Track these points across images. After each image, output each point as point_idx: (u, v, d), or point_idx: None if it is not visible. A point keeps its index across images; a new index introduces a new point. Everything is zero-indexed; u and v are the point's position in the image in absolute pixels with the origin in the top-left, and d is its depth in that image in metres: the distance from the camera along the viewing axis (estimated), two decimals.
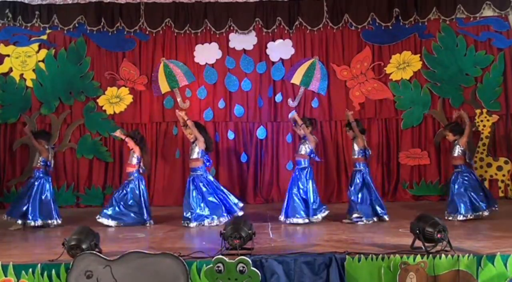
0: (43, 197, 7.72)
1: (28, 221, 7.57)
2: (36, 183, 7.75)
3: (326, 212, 7.66)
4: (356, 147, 7.79)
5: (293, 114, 8.37)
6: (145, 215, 7.72)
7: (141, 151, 7.92)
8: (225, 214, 7.58)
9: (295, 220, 7.49)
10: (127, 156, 8.23)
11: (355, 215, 7.55)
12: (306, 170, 7.71)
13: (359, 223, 7.47)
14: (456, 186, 7.64)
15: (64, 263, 5.23)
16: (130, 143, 7.94)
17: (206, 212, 7.54)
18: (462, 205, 7.51)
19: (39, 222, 7.62)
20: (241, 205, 7.78)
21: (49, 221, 7.70)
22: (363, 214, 7.53)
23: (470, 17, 9.73)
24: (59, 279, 5.19)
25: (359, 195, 7.65)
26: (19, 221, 7.59)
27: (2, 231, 7.38)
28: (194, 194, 7.57)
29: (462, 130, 7.79)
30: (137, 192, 7.78)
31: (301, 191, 7.60)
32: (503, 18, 9.69)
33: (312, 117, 8.42)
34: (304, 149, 7.76)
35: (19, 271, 5.20)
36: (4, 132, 9.67)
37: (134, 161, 7.89)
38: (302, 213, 7.51)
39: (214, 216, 7.56)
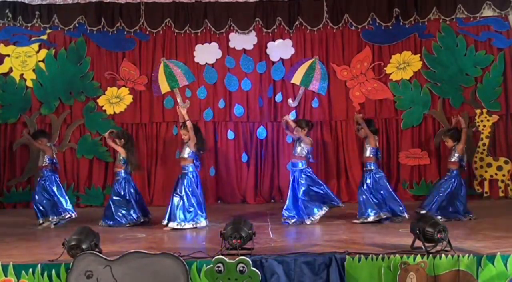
0: (54, 194, 7.80)
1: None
2: (47, 182, 7.82)
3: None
4: (367, 147, 7.78)
5: (287, 117, 8.28)
6: (134, 214, 7.71)
7: (127, 151, 7.93)
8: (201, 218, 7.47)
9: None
10: None
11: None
12: (304, 172, 7.70)
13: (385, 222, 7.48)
14: (442, 189, 7.72)
15: (64, 263, 5.23)
16: (113, 145, 8.00)
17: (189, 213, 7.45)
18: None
19: (55, 219, 7.72)
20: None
21: (63, 215, 7.78)
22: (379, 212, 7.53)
23: (470, 17, 9.72)
24: (59, 279, 5.19)
25: (370, 195, 7.62)
26: (41, 220, 7.70)
27: (2, 231, 7.39)
28: (182, 193, 7.48)
29: (460, 137, 7.82)
30: (123, 192, 7.80)
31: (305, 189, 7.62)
32: (503, 18, 9.68)
33: (308, 120, 8.42)
34: (300, 149, 7.75)
35: (19, 271, 5.20)
36: (4, 132, 9.66)
37: (121, 161, 7.94)
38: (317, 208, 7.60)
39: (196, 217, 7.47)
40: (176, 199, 7.41)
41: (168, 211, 7.40)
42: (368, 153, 7.75)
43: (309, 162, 7.81)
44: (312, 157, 7.91)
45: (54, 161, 7.95)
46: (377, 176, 7.69)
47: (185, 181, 7.49)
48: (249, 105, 9.87)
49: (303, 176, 7.69)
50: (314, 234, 6.96)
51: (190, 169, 7.55)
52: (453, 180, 7.72)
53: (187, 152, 7.61)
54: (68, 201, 7.92)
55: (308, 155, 7.76)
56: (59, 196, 7.82)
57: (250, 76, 9.86)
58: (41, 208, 7.75)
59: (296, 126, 7.80)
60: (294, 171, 7.77)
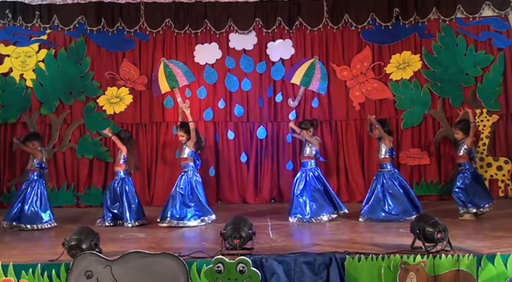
0: (39, 200, 7.65)
1: (23, 225, 7.49)
2: (31, 186, 7.69)
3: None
4: (383, 147, 7.85)
5: (292, 124, 8.34)
6: (127, 214, 7.64)
7: (128, 150, 7.91)
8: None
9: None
10: None
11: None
12: (315, 171, 7.82)
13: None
14: (460, 182, 7.71)
15: (64, 263, 5.23)
16: (117, 142, 7.97)
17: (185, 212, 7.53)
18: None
19: (34, 226, 7.52)
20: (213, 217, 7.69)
21: (44, 224, 7.61)
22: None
23: (470, 17, 9.71)
24: (59, 279, 5.19)
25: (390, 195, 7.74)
26: (5, 223, 7.50)
27: (2, 231, 7.39)
28: (182, 191, 7.55)
29: (469, 130, 7.85)
30: (119, 192, 7.78)
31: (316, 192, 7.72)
32: (503, 18, 9.67)
33: (313, 119, 8.47)
34: (309, 150, 7.87)
35: (19, 271, 5.21)
36: (4, 132, 9.66)
37: (121, 160, 7.91)
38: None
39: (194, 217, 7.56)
40: (172, 198, 7.48)
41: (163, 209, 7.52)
42: (383, 153, 7.85)
43: (318, 161, 7.92)
44: (322, 156, 8.03)
45: (43, 165, 7.80)
46: (395, 176, 7.81)
47: (183, 180, 7.58)
48: (249, 106, 9.86)
49: (312, 175, 7.79)
50: (314, 234, 6.97)
51: (190, 168, 7.62)
52: (466, 172, 7.74)
53: (186, 152, 7.73)
54: (49, 210, 7.69)
55: (317, 155, 7.89)
56: (39, 206, 7.60)
57: (250, 76, 9.86)
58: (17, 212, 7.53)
59: (302, 130, 7.90)
60: (304, 171, 7.88)
